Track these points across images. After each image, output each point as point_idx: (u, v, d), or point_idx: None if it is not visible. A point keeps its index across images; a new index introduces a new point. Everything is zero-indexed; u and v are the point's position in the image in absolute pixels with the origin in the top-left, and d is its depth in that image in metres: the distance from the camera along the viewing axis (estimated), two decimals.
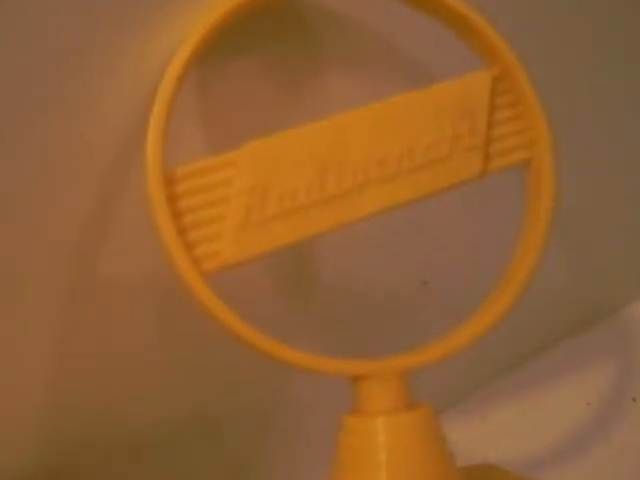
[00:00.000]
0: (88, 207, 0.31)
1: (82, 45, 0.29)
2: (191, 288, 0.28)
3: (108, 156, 0.31)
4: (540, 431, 0.48)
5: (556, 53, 0.39)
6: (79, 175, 0.31)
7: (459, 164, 0.30)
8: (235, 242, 0.28)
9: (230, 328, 0.28)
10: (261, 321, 0.29)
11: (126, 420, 0.36)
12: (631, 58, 0.43)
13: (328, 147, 0.29)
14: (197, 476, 0.38)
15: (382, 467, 0.29)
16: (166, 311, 0.34)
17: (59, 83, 0.29)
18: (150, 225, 0.28)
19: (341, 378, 0.30)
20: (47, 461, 0.35)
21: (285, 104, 0.32)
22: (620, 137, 0.46)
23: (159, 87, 0.28)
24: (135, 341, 0.34)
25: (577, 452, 0.47)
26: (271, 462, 0.39)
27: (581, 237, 0.49)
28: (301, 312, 0.37)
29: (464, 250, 0.40)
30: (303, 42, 0.32)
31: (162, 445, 0.37)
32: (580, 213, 0.47)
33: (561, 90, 0.39)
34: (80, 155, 0.30)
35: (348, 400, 0.30)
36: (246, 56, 0.31)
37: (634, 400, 0.49)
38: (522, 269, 0.31)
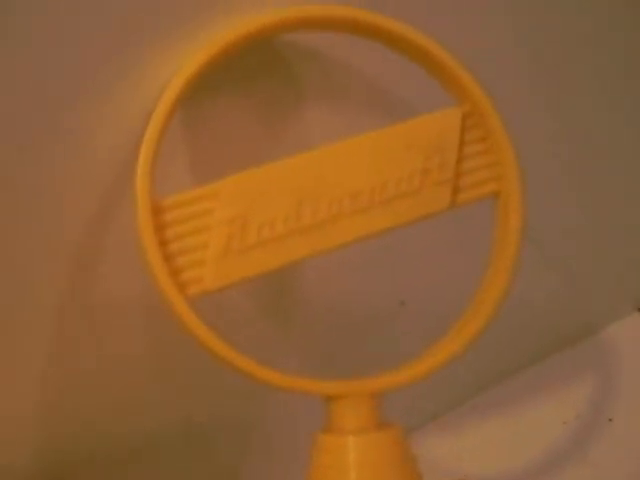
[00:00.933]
0: (84, 231, 0.33)
1: (78, 83, 0.30)
2: (176, 312, 0.29)
3: (102, 185, 0.32)
4: (517, 449, 0.49)
5: (525, 86, 0.40)
6: (76, 200, 0.32)
7: (429, 197, 0.32)
8: (217, 269, 0.30)
9: (211, 349, 0.30)
10: (244, 342, 0.31)
11: (116, 427, 0.37)
12: (599, 93, 0.44)
13: (304, 180, 0.31)
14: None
15: None
16: (155, 327, 0.35)
17: (55, 116, 0.30)
18: (139, 250, 0.30)
19: (315, 397, 0.31)
20: (43, 462, 0.36)
21: (267, 138, 0.34)
22: (596, 163, 0.47)
23: (148, 124, 0.29)
24: (126, 354, 0.36)
25: (553, 470, 0.48)
26: (255, 471, 0.40)
27: (562, 259, 0.50)
28: (282, 334, 0.38)
29: (441, 273, 0.42)
30: (284, 79, 0.34)
31: (150, 452, 0.38)
32: (562, 235, 0.48)
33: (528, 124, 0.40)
34: (75, 183, 0.32)
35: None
36: (230, 93, 0.33)
37: (610, 420, 0.50)
38: (491, 296, 0.32)
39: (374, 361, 0.33)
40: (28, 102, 0.30)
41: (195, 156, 0.33)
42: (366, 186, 0.31)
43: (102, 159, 0.31)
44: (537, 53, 0.41)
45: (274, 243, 0.30)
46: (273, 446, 0.41)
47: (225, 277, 0.30)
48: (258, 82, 0.33)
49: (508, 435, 0.49)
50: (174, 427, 0.39)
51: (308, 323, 0.39)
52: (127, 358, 0.36)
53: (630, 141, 0.48)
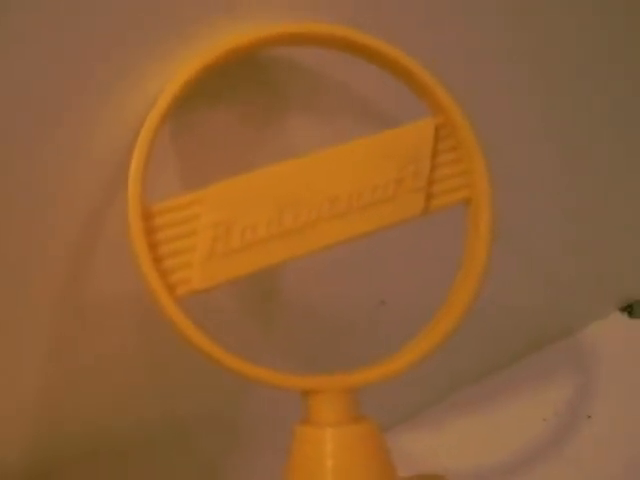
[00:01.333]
0: (79, 235, 0.34)
1: (74, 86, 0.32)
2: (164, 310, 0.31)
3: (95, 188, 0.34)
4: (497, 445, 0.49)
5: (496, 96, 0.42)
6: (70, 202, 0.34)
7: (403, 204, 0.34)
8: (204, 270, 0.32)
9: (195, 344, 0.31)
10: (229, 341, 0.33)
11: (106, 422, 0.38)
12: (579, 88, 0.46)
13: (286, 187, 0.32)
14: (169, 476, 0.41)
15: (329, 474, 0.32)
16: (145, 326, 0.37)
17: (51, 117, 0.32)
18: (130, 253, 0.32)
19: (294, 392, 0.33)
20: (33, 458, 0.38)
21: (251, 146, 0.35)
22: (575, 163, 0.49)
23: (139, 135, 0.31)
24: (117, 351, 0.37)
25: (532, 466, 0.48)
26: (238, 463, 0.42)
27: (542, 260, 0.51)
28: (265, 334, 0.40)
29: (421, 275, 0.43)
30: (268, 91, 0.35)
31: (137, 446, 0.40)
32: (538, 237, 0.49)
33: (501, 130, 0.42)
34: (69, 185, 0.33)
35: None
36: (216, 104, 0.34)
37: (589, 417, 0.51)
38: (461, 298, 0.34)
39: (355, 359, 0.34)
40: (23, 103, 0.31)
41: (183, 163, 0.35)
42: (344, 193, 0.33)
43: (97, 161, 0.33)
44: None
45: (257, 246, 0.32)
46: (256, 440, 0.42)
47: (211, 278, 0.32)
48: (243, 93, 0.35)
49: (487, 432, 0.50)
50: (161, 422, 0.40)
51: (290, 324, 0.41)
52: (118, 356, 0.38)
53: (610, 141, 0.49)
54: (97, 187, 0.34)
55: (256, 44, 0.33)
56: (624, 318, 0.57)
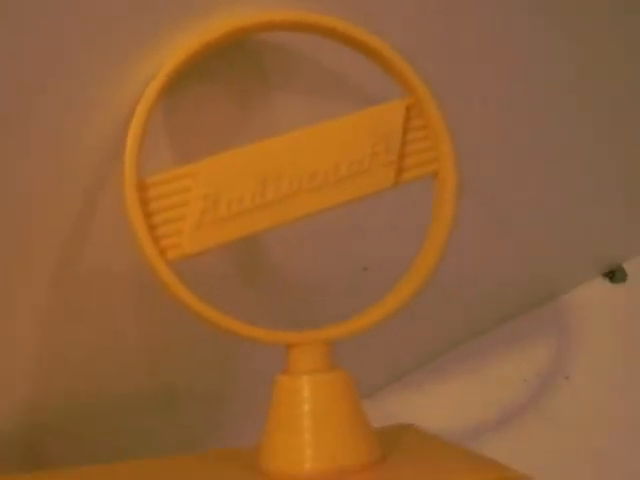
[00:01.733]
0: (76, 208, 0.37)
1: (75, 69, 0.35)
2: (157, 273, 0.35)
3: (93, 167, 0.37)
4: (479, 404, 0.52)
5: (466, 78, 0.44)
6: (69, 181, 0.37)
7: (376, 176, 0.37)
8: (193, 237, 0.35)
9: (186, 304, 0.35)
10: (220, 304, 0.35)
11: (100, 384, 0.41)
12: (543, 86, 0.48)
13: (269, 162, 0.36)
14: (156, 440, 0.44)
15: (306, 416, 0.35)
16: (139, 297, 0.40)
17: (54, 87, 0.34)
18: (126, 223, 0.35)
19: (276, 346, 0.37)
20: (36, 418, 0.40)
21: (239, 124, 0.39)
22: (556, 129, 0.51)
23: (134, 114, 0.34)
24: (112, 322, 0.40)
25: (511, 424, 0.51)
26: (222, 436, 0.45)
27: (527, 226, 0.53)
28: (251, 298, 0.43)
29: (402, 242, 0.45)
30: (255, 72, 0.38)
31: (129, 412, 0.43)
32: (522, 205, 0.52)
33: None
34: (68, 166, 0.36)
35: None
36: (207, 84, 0.37)
37: (567, 378, 0.54)
38: (426, 262, 0.37)
39: (333, 318, 0.37)
40: (34, 64, 0.34)
41: (174, 140, 0.38)
42: (322, 167, 0.36)
43: (95, 136, 0.36)
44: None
45: (242, 216, 0.35)
46: (242, 411, 0.45)
47: (200, 244, 0.35)
48: (231, 75, 0.38)
49: (471, 391, 0.53)
50: (151, 390, 0.44)
51: (276, 288, 0.44)
52: (113, 326, 0.40)
53: (591, 100, 0.51)
54: (96, 161, 0.36)
55: (254, 28, 0.36)
56: (606, 283, 0.59)
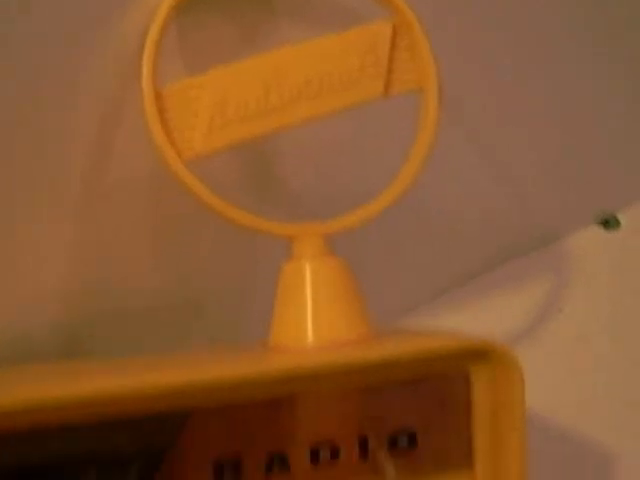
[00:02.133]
0: (100, 119, 0.41)
1: None
2: (175, 172, 0.39)
3: (113, 81, 0.41)
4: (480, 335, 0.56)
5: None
6: (92, 95, 0.40)
7: (366, 87, 0.41)
8: (205, 139, 0.39)
9: (201, 198, 0.39)
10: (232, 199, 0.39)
11: (127, 292, 0.45)
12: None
13: (271, 72, 0.40)
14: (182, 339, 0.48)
15: (307, 297, 0.40)
16: (160, 201, 0.44)
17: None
18: (145, 130, 0.39)
19: (281, 238, 0.41)
20: (68, 319, 0.44)
21: (244, 46, 0.44)
22: (548, 74, 0.53)
23: (150, 27, 0.39)
24: (136, 225, 0.44)
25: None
26: (246, 332, 0.49)
27: (522, 172, 0.56)
28: (262, 197, 0.47)
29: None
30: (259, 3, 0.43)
31: (156, 312, 0.46)
32: (520, 150, 0.54)
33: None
34: (93, 79, 0.40)
35: None
36: (215, 9, 0.42)
37: (560, 310, 0.58)
38: (416, 159, 0.42)
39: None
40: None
41: (187, 56, 0.43)
42: (316, 77, 0.41)
43: (113, 57, 0.40)
44: None
45: (248, 120, 0.40)
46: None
47: (210, 145, 0.40)
48: (238, 4, 0.43)
49: (474, 323, 0.55)
50: (177, 291, 0.48)
51: (283, 194, 0.48)
52: (138, 231, 0.44)
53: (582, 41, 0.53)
54: (115, 74, 0.40)
55: None
56: (600, 231, 0.62)
